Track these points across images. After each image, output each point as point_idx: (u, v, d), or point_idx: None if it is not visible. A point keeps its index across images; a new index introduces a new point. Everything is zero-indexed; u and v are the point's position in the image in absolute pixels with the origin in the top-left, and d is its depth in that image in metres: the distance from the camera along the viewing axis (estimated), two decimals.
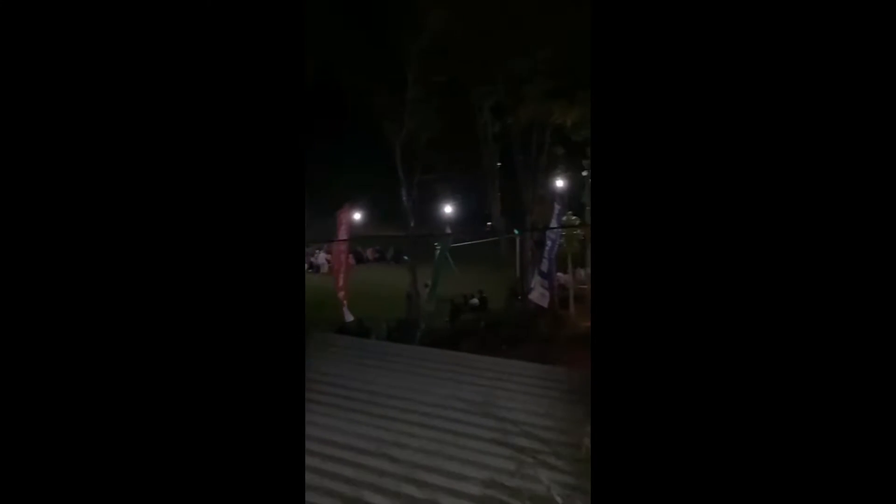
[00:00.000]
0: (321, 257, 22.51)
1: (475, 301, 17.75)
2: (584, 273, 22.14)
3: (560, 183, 25.22)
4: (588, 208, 26.00)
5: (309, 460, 3.97)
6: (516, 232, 18.45)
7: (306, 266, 20.74)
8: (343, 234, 12.23)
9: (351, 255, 17.30)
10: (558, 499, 3.84)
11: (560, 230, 17.54)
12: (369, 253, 25.85)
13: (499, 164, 20.28)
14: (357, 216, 19.72)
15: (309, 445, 3.56)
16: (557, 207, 16.56)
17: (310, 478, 3.86)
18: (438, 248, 15.98)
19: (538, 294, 15.21)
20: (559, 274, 18.20)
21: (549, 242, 15.53)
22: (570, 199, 24.57)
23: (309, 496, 3.85)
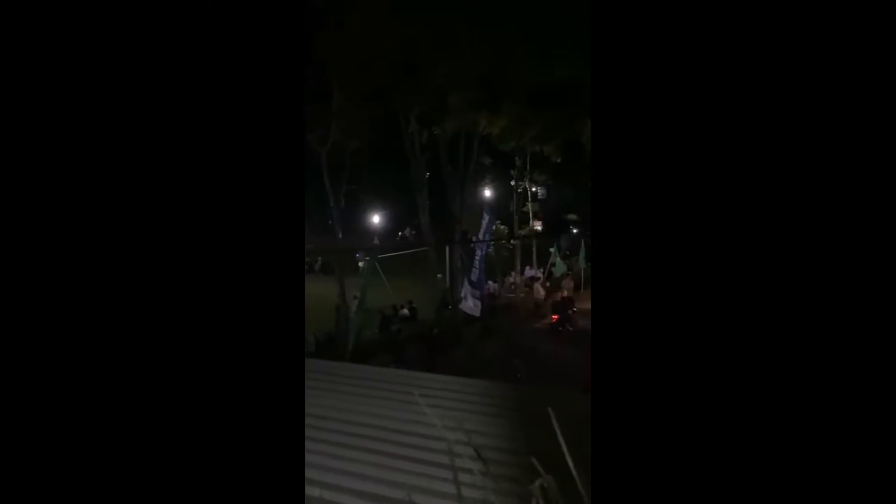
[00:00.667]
0: None
1: (405, 312, 17.65)
2: (512, 281, 22.41)
3: (488, 192, 25.55)
4: (516, 218, 26.42)
5: None
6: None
7: None
8: None
9: None
10: None
11: (489, 239, 17.62)
12: None
13: (427, 174, 20.26)
14: None
15: None
16: (486, 217, 16.64)
17: None
18: (367, 259, 15.79)
19: (468, 303, 15.23)
20: (489, 283, 18.33)
21: (478, 252, 15.58)
22: (499, 209, 24.88)
23: None
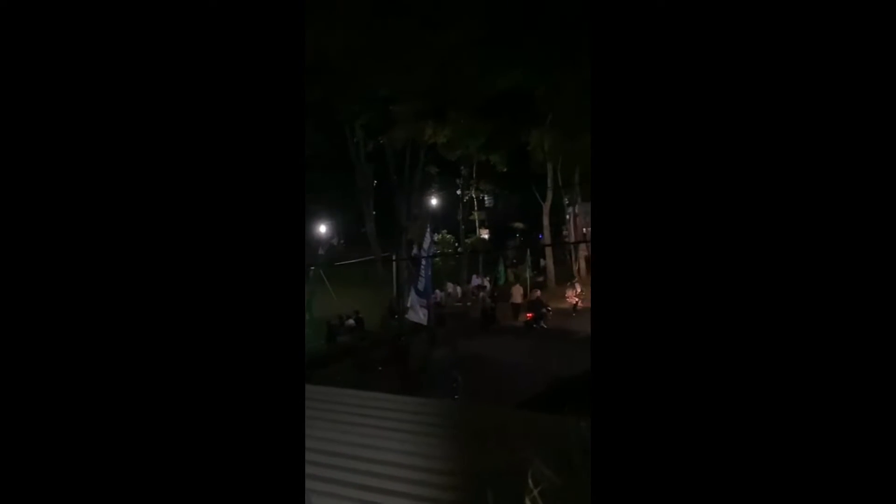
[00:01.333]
0: None
1: (351, 322, 17.48)
2: (459, 290, 22.46)
3: (435, 201, 25.58)
4: (463, 227, 26.53)
5: None
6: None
7: None
8: None
9: None
10: None
11: (435, 248, 17.62)
12: None
13: (374, 183, 20.16)
14: None
15: None
16: (431, 226, 16.65)
17: None
18: (312, 269, 15.60)
19: (415, 313, 15.19)
20: (436, 292, 18.32)
21: (424, 261, 15.58)
22: (446, 218, 24.92)
23: None
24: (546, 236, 25.10)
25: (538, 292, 19.39)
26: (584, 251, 25.25)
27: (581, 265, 24.84)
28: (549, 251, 24.40)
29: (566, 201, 25.51)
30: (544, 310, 17.65)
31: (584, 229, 27.11)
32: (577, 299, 19.58)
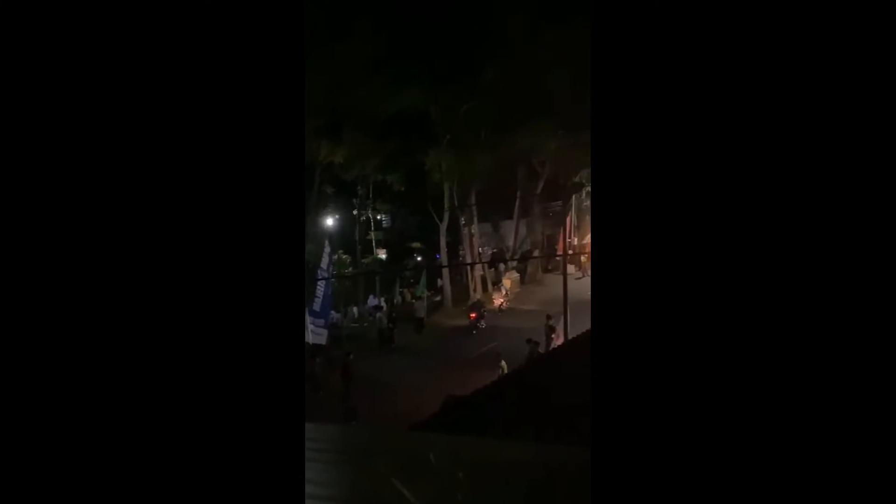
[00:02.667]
0: None
1: None
2: (356, 312, 22.21)
3: (331, 221, 25.25)
4: (359, 247, 26.31)
5: None
6: None
7: None
8: None
9: None
10: None
11: (332, 269, 17.36)
12: None
13: None
14: None
15: None
16: (328, 247, 16.40)
17: None
18: None
19: (311, 334, 14.87)
20: (332, 313, 18.01)
21: (321, 282, 15.29)
22: (342, 238, 24.63)
23: None
24: (443, 256, 25.31)
25: (478, 296, 22.83)
26: (479, 271, 25.65)
27: (477, 285, 25.21)
28: (445, 271, 24.61)
29: (463, 221, 25.86)
30: (483, 311, 20.81)
31: (480, 249, 27.56)
32: (502, 300, 22.97)
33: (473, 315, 20.63)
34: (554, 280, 24.31)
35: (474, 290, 24.66)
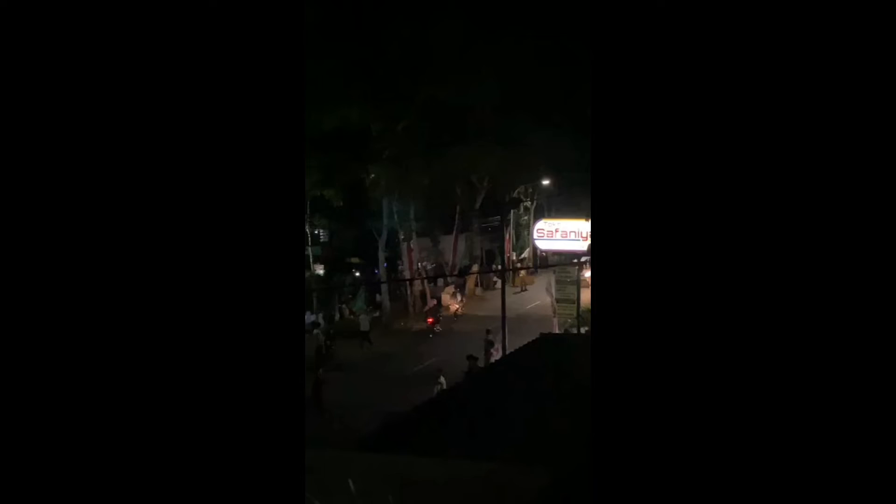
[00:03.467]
0: None
1: None
2: None
3: None
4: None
5: None
6: None
7: None
8: None
9: None
10: None
11: None
12: None
13: None
14: None
15: None
16: None
17: None
18: None
19: None
20: None
21: None
22: None
23: None
24: (381, 272, 25.19)
25: (434, 301, 24.73)
26: (419, 287, 25.61)
27: (416, 300, 25.16)
28: (384, 287, 24.50)
29: (402, 236, 25.81)
30: (439, 317, 23.01)
31: (419, 264, 27.53)
32: (457, 306, 24.78)
33: (431, 320, 22.68)
34: (493, 295, 24.52)
35: (413, 306, 24.60)
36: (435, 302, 24.61)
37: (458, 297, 25.56)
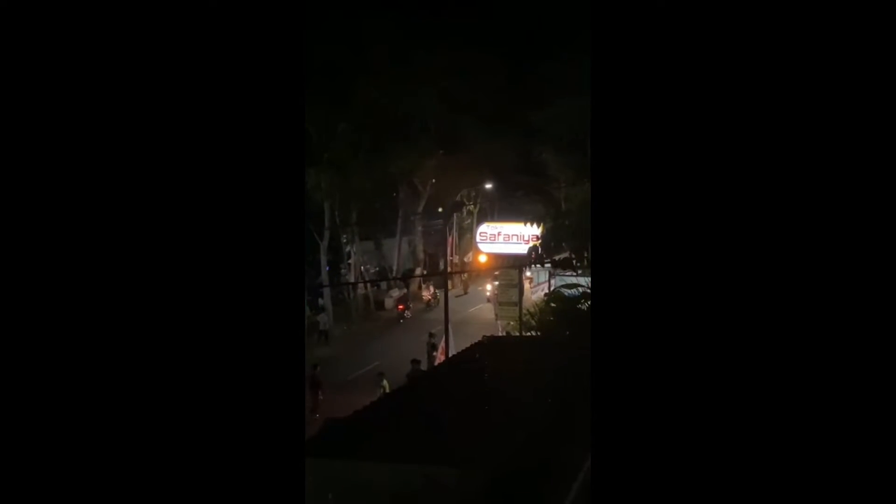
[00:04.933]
0: None
1: None
2: None
3: None
4: None
5: None
6: None
7: None
8: None
9: None
10: None
11: None
12: None
13: None
14: None
15: None
16: None
17: None
18: None
19: None
20: None
21: None
22: None
23: None
24: (324, 275, 24.92)
25: (405, 290, 26.56)
26: (361, 290, 25.45)
27: (360, 303, 25.01)
28: (326, 291, 24.24)
29: (344, 240, 25.61)
30: (408, 304, 24.86)
31: (363, 268, 27.37)
32: (430, 297, 26.64)
33: (401, 307, 24.42)
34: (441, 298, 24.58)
35: (356, 310, 24.45)
36: (404, 292, 26.65)
37: (431, 289, 27.30)
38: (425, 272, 30.04)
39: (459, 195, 30.61)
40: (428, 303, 26.81)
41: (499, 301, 20.32)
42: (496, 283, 22.09)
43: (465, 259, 33.14)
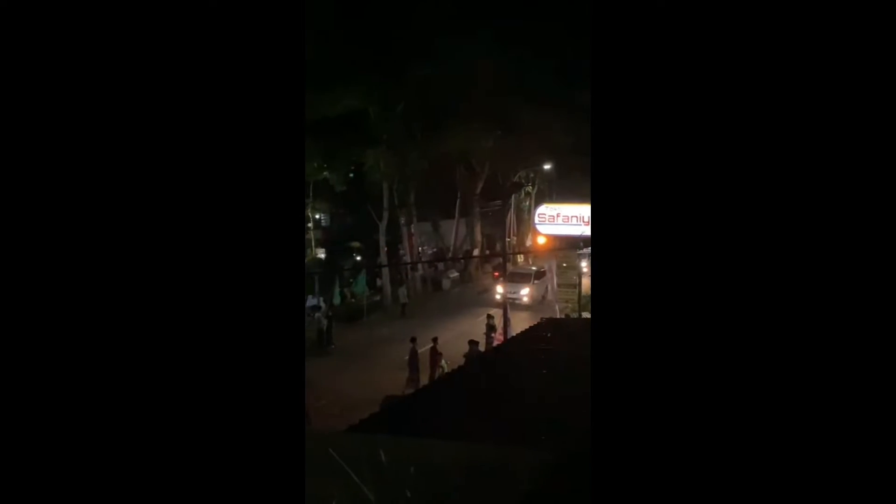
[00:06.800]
0: None
1: None
2: None
3: None
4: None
5: None
6: None
7: None
8: None
9: None
10: None
11: None
12: None
13: None
14: None
15: None
16: None
17: None
18: None
19: None
20: None
21: None
22: None
23: None
24: (382, 255, 25.22)
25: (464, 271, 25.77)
26: (420, 270, 25.65)
27: (418, 284, 25.21)
28: (385, 271, 24.51)
29: (402, 221, 25.81)
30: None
31: (420, 248, 27.56)
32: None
33: (497, 273, 23.57)
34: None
35: (414, 290, 24.65)
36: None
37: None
38: (488, 252, 30.03)
39: (517, 176, 30.40)
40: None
41: (558, 283, 20.16)
42: (555, 265, 21.82)
43: (524, 241, 32.98)
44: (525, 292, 22.23)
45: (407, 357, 14.25)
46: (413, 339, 14.53)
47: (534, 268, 24.71)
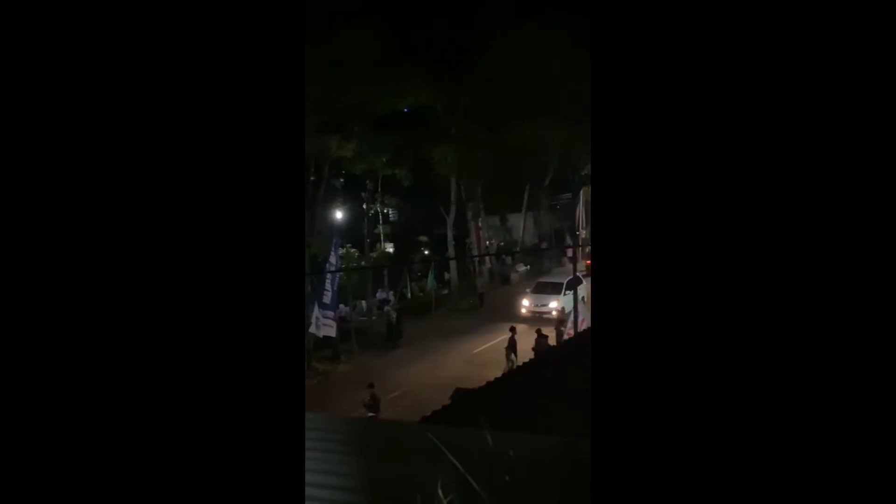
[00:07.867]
0: None
1: None
2: (364, 305, 22.28)
3: (339, 216, 25.31)
4: (368, 241, 26.38)
5: None
6: None
7: None
8: None
9: None
10: None
11: (341, 263, 17.42)
12: None
13: None
14: None
15: None
16: (336, 240, 16.46)
17: None
18: None
19: (321, 327, 14.95)
20: (340, 306, 18.09)
21: (330, 275, 15.36)
22: (350, 232, 24.68)
23: None
24: (450, 249, 25.35)
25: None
26: (487, 264, 25.64)
27: (485, 277, 25.22)
28: (453, 264, 24.61)
29: (469, 214, 25.86)
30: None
31: (487, 242, 27.54)
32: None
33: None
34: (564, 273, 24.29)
35: (480, 284, 24.69)
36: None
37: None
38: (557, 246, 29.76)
39: (586, 168, 29.95)
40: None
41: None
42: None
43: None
44: (554, 305, 19.93)
45: (505, 345, 14.68)
46: (512, 329, 14.98)
47: (567, 277, 20.36)
